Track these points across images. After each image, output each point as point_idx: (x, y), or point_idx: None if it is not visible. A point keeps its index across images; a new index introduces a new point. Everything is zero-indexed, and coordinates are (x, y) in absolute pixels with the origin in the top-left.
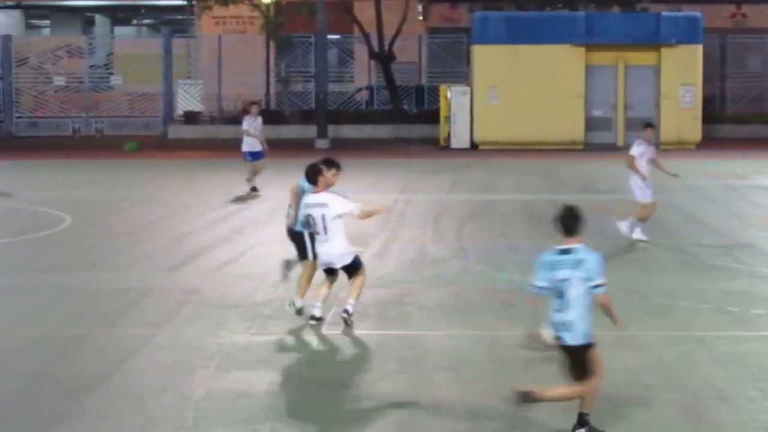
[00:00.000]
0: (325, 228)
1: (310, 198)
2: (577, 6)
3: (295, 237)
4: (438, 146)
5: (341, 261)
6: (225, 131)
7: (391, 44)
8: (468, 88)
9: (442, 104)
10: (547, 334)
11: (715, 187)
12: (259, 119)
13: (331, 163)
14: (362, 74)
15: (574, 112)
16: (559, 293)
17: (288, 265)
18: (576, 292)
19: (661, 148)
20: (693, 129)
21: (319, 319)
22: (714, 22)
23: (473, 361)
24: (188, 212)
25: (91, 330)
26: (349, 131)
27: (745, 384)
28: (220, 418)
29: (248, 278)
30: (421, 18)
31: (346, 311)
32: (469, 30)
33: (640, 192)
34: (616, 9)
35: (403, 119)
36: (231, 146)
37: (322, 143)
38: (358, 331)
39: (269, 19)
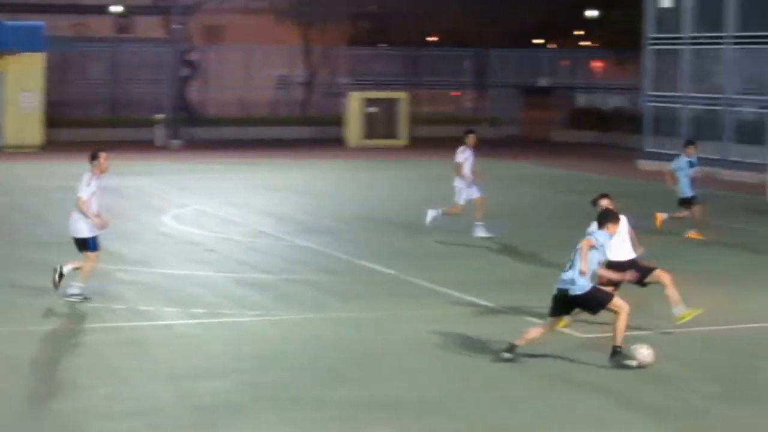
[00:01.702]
0: None
1: None
2: None
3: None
4: None
5: (70, 230)
6: None
7: None
8: None
9: None
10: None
11: (57, 189)
12: None
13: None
14: None
15: None
16: None
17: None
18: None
19: (5, 151)
20: (35, 133)
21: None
22: (57, 30)
23: None
24: None
25: None
26: None
27: (89, 373)
28: None
29: None
30: None
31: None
32: None
33: (459, 193)
34: None
35: None
36: None
37: None
38: None
39: None
